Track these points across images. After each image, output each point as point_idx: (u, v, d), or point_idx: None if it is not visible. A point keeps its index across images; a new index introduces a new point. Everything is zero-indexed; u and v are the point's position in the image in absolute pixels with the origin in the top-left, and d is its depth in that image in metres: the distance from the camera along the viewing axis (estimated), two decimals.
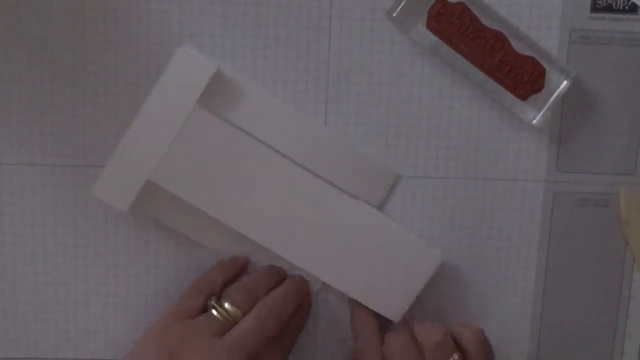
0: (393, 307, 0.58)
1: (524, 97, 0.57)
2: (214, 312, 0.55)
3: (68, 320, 0.60)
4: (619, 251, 0.60)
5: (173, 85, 0.55)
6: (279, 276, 0.58)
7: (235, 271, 0.58)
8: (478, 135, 0.59)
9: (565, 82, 0.57)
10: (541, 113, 0.57)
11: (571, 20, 0.57)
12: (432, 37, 0.56)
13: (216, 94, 0.56)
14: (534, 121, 0.57)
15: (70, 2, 0.57)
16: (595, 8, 0.57)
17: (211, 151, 0.56)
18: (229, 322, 0.54)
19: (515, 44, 0.56)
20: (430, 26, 0.56)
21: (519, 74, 0.56)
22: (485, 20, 0.56)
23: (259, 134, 0.57)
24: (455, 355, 0.54)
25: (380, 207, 0.59)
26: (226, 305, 0.55)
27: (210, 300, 0.56)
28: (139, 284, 0.60)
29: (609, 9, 0.57)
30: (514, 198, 0.60)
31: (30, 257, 0.60)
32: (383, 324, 0.58)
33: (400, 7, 0.56)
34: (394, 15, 0.56)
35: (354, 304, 0.59)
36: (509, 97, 0.57)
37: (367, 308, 0.58)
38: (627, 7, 0.57)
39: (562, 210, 0.60)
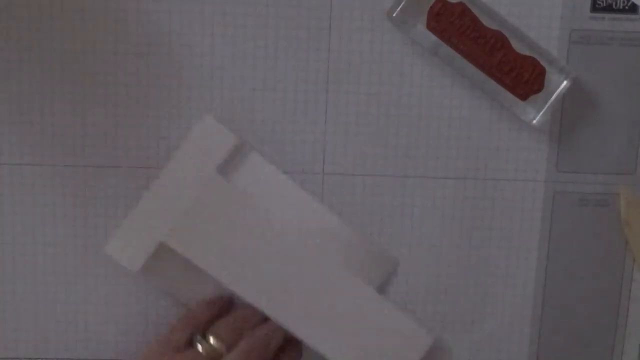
0: None
1: (524, 97, 0.57)
2: (199, 347, 0.56)
3: (68, 321, 0.60)
4: (619, 251, 0.60)
5: (194, 152, 0.57)
6: (264, 315, 0.59)
7: (221, 308, 0.59)
8: (478, 135, 0.59)
9: (565, 82, 0.57)
10: (541, 113, 0.57)
11: (571, 20, 0.57)
12: (432, 37, 0.56)
13: (235, 164, 0.58)
14: (534, 121, 0.57)
15: (70, 3, 0.57)
16: (595, 8, 0.57)
17: (225, 220, 0.57)
18: (214, 358, 0.56)
19: (515, 44, 0.56)
20: (430, 26, 0.56)
21: (519, 74, 0.56)
22: (485, 20, 0.56)
23: (270, 207, 0.58)
24: None
25: (380, 288, 0.59)
26: (211, 340, 0.56)
27: (196, 335, 0.57)
28: (139, 283, 0.60)
29: (609, 9, 0.57)
30: (514, 198, 0.60)
31: (30, 257, 0.60)
32: None
33: (400, 7, 0.56)
34: (394, 15, 0.56)
35: None
36: (509, 97, 0.57)
37: None
38: (627, 7, 0.57)
39: (562, 210, 0.60)
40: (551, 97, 0.57)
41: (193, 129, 0.57)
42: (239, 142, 0.58)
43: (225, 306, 0.59)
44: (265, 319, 0.58)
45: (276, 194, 0.58)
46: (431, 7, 0.56)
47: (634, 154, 0.59)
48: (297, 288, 0.58)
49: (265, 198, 0.58)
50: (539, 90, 0.57)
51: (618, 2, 0.57)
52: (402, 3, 0.56)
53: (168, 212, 0.57)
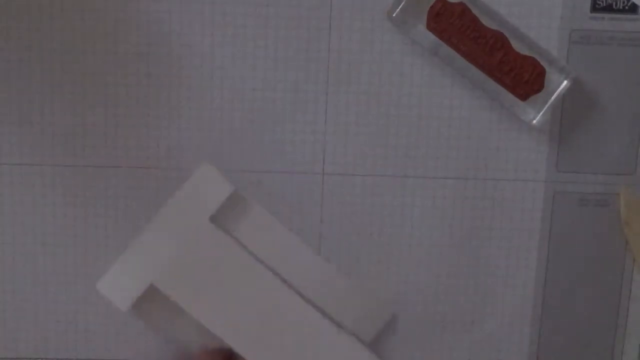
0: None
1: (524, 97, 0.57)
2: None
3: (68, 320, 0.60)
4: (619, 251, 0.60)
5: (189, 198, 0.58)
6: None
7: (223, 359, 0.59)
8: (478, 135, 0.59)
9: (565, 82, 0.57)
10: (541, 113, 0.57)
11: (571, 20, 0.57)
12: (432, 37, 0.56)
13: (229, 212, 0.58)
14: (534, 121, 0.57)
15: (70, 3, 0.57)
16: (595, 8, 0.57)
17: (215, 266, 0.58)
18: None
19: (515, 44, 0.56)
20: (430, 26, 0.56)
21: (519, 74, 0.56)
22: (485, 20, 0.56)
23: (263, 256, 0.59)
24: None
25: (373, 342, 0.60)
26: None
27: None
28: None
29: (609, 9, 0.57)
30: (514, 198, 0.60)
31: (30, 257, 0.60)
32: None
33: (400, 7, 0.56)
34: (394, 15, 0.56)
35: None
36: (509, 97, 0.57)
37: None
38: (627, 7, 0.57)
39: (562, 210, 0.60)
40: (551, 97, 0.57)
41: (192, 175, 0.58)
42: (235, 191, 0.58)
43: (226, 357, 0.59)
44: None
45: (271, 244, 0.59)
46: (431, 7, 0.56)
47: (634, 154, 0.59)
48: (286, 339, 0.58)
49: (259, 247, 0.59)
50: (539, 90, 0.57)
51: (618, 2, 0.57)
52: (402, 3, 0.56)
53: (160, 255, 0.58)
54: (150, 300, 0.58)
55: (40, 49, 0.57)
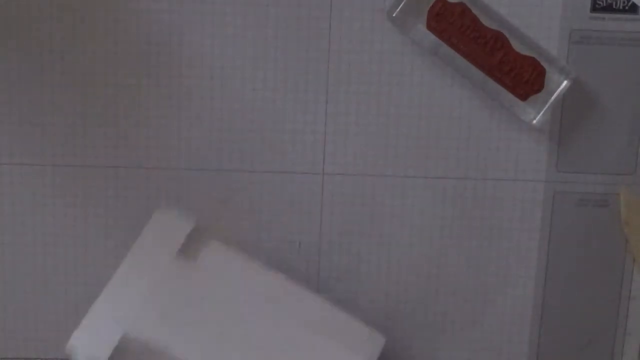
0: None
1: (524, 97, 0.57)
2: None
3: (68, 320, 0.60)
4: (619, 251, 0.60)
5: (150, 244, 0.56)
6: None
7: None
8: (478, 135, 0.59)
9: (565, 82, 0.57)
10: (541, 113, 0.57)
11: (571, 20, 0.57)
12: (432, 37, 0.56)
13: (195, 249, 0.56)
14: (534, 121, 0.57)
15: (70, 3, 0.57)
16: (595, 8, 0.57)
17: (186, 307, 0.56)
18: None
19: (515, 44, 0.56)
20: (430, 26, 0.56)
21: (519, 74, 0.56)
22: (485, 20, 0.56)
23: (236, 289, 0.57)
24: None
25: None
26: None
27: None
28: None
29: (609, 9, 0.57)
30: (514, 198, 0.60)
31: (30, 257, 0.60)
32: None
33: (400, 7, 0.56)
34: (394, 15, 0.56)
35: None
36: (509, 97, 0.57)
37: None
38: (627, 7, 0.57)
39: (562, 210, 0.60)
40: (551, 97, 0.57)
41: (150, 219, 0.57)
42: (196, 226, 0.57)
43: None
44: None
45: (242, 277, 0.57)
46: (431, 7, 0.56)
47: (634, 154, 0.59)
48: None
49: (230, 281, 0.57)
50: (539, 90, 0.57)
51: (618, 2, 0.57)
52: (402, 3, 0.56)
53: (131, 301, 0.56)
54: (131, 349, 0.56)
55: (40, 49, 0.57)
